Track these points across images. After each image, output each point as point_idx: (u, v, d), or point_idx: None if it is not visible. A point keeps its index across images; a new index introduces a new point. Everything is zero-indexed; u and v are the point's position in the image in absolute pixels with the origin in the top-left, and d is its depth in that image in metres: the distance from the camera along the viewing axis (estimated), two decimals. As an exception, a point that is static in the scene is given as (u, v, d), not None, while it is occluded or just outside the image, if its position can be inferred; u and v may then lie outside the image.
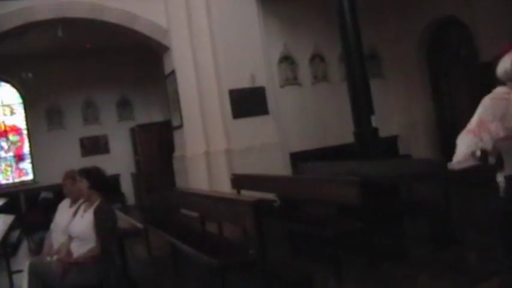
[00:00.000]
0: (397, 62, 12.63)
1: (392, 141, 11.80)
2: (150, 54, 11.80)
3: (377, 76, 12.29)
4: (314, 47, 11.72)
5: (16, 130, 14.33)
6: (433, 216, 6.03)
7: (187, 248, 5.15)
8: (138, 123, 14.08)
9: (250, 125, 9.99)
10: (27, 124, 14.19)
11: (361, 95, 7.94)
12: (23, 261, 6.06)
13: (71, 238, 4.42)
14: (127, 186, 14.33)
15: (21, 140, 14.35)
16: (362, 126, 7.84)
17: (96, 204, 4.40)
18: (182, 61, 10.02)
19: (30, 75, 13.19)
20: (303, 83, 11.51)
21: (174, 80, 10.23)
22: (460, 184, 6.20)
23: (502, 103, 3.02)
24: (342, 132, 9.70)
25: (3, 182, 13.95)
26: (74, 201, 4.88)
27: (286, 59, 11.34)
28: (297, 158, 10.15)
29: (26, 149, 14.27)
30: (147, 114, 14.62)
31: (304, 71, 11.56)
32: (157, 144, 13.36)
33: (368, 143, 7.80)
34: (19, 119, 14.29)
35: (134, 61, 13.81)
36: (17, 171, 14.23)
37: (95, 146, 14.29)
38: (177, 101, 10.23)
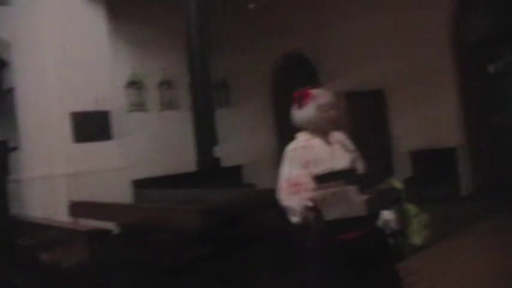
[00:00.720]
0: (246, 93, 12.98)
1: (236, 170, 12.02)
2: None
3: (224, 105, 12.53)
4: (163, 72, 11.68)
5: None
6: (273, 244, 6.18)
7: (19, 281, 4.84)
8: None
9: (93, 149, 9.62)
10: None
11: (205, 124, 8.01)
12: None
13: None
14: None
15: None
16: (204, 156, 7.91)
17: None
18: (23, 78, 9.47)
19: None
20: (150, 108, 11.41)
21: (13, 98, 9.65)
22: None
23: (305, 151, 3.16)
24: (188, 161, 9.71)
25: None
26: None
27: (134, 84, 11.19)
28: (141, 185, 9.97)
29: None
30: (-19, 133, 13.68)
31: (152, 96, 11.47)
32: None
33: (211, 172, 7.87)
34: None
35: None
36: None
37: None
38: (15, 121, 9.65)
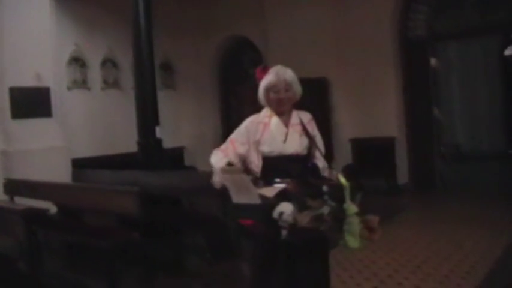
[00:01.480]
0: (190, 76, 12.92)
1: (178, 152, 11.98)
2: None
3: (169, 87, 12.45)
4: (107, 51, 11.47)
5: None
6: (211, 228, 6.22)
7: None
8: None
9: (31, 126, 9.39)
10: None
11: (148, 105, 7.95)
12: None
13: None
14: None
15: None
16: (146, 137, 7.85)
17: None
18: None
19: None
20: (93, 87, 11.20)
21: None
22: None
23: (258, 127, 3.22)
24: (129, 141, 9.58)
25: None
26: None
27: (76, 61, 10.95)
28: (80, 165, 9.80)
29: None
30: None
31: (95, 74, 11.25)
32: None
33: (152, 153, 7.82)
34: None
35: None
36: None
37: None
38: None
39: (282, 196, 2.89)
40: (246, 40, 12.25)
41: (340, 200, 2.86)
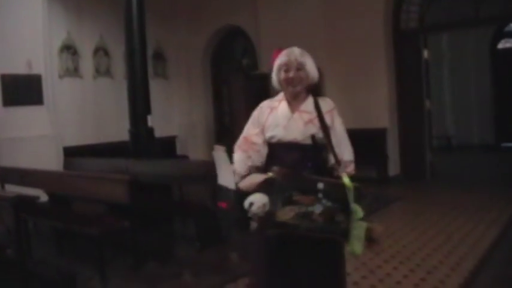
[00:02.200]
0: (182, 65, 12.93)
1: (170, 141, 11.98)
2: None
3: (161, 76, 12.45)
4: (99, 39, 11.46)
5: None
6: (200, 217, 6.23)
7: None
8: None
9: (22, 114, 9.37)
10: None
11: (140, 94, 7.93)
12: None
13: None
14: None
15: None
16: (138, 125, 7.83)
17: None
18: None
19: None
20: (84, 75, 11.17)
21: None
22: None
23: (265, 111, 3.06)
24: (120, 130, 9.57)
25: None
26: None
27: (68, 49, 10.90)
28: (71, 153, 9.79)
29: None
30: None
31: (87, 63, 11.23)
32: None
33: (143, 142, 7.81)
34: None
35: None
36: None
37: None
38: None
39: (265, 186, 2.70)
40: (238, 29, 12.23)
41: (339, 202, 2.63)
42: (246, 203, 2.68)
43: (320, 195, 2.61)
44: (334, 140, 2.97)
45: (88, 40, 11.23)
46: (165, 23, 12.03)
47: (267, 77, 9.92)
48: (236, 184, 2.96)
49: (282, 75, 3.00)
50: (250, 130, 3.08)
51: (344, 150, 3.03)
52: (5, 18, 9.22)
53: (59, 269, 5.42)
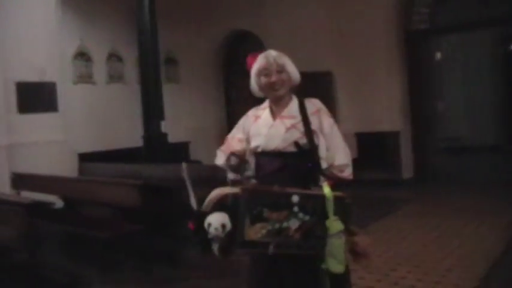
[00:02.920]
0: (194, 69, 12.94)
1: (183, 146, 12.01)
2: None
3: (173, 81, 12.48)
4: (112, 45, 11.52)
5: None
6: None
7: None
8: None
9: (37, 121, 9.44)
10: None
11: (153, 99, 7.99)
12: None
13: None
14: None
15: None
16: (151, 131, 7.89)
17: None
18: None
19: None
20: (98, 81, 11.25)
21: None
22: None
23: (250, 120, 2.95)
24: (134, 135, 9.65)
25: None
26: None
27: (82, 55, 11.00)
28: (85, 159, 9.88)
29: None
30: None
31: (100, 69, 11.30)
32: None
33: (157, 147, 7.86)
34: None
35: None
36: None
37: None
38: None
39: (225, 202, 2.50)
40: (248, 33, 12.26)
41: (319, 214, 2.42)
42: (205, 224, 2.45)
43: (296, 208, 2.42)
44: (324, 144, 2.78)
45: (101, 46, 11.31)
46: (176, 27, 12.08)
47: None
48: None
49: (263, 80, 2.83)
50: (234, 135, 2.98)
51: (336, 153, 2.81)
52: (18, 27, 9.31)
53: (70, 273, 5.47)
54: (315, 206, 2.44)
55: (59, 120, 9.85)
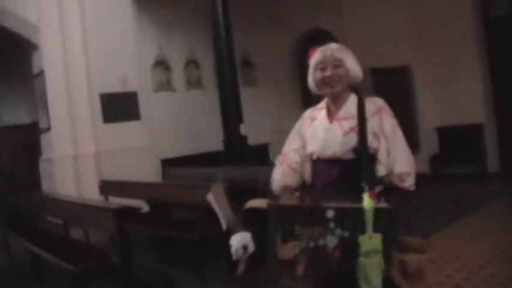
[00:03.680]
0: (270, 71, 13.01)
1: (263, 148, 12.08)
2: (19, 51, 11.23)
3: (250, 84, 12.59)
4: (189, 52, 11.76)
5: None
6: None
7: (48, 255, 5.01)
8: (3, 124, 13.35)
9: (121, 129, 9.81)
10: None
11: (231, 103, 8.10)
12: None
13: None
14: (-11, 190, 13.52)
15: None
16: (231, 134, 7.99)
17: None
18: (52, 61, 9.55)
19: None
20: (177, 88, 11.52)
21: (43, 80, 9.78)
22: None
23: (306, 122, 2.71)
24: (214, 139, 9.80)
25: None
26: None
27: (161, 64, 11.29)
28: (168, 164, 10.14)
29: None
30: (14, 115, 13.88)
31: (179, 76, 11.57)
32: (23, 146, 12.79)
33: (237, 150, 7.95)
34: None
35: (0, 57, 13.04)
36: None
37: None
38: (45, 102, 9.80)
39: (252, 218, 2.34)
40: (324, 32, 12.19)
41: (362, 229, 2.12)
42: (230, 244, 2.28)
43: (332, 224, 2.15)
44: (385, 147, 2.44)
45: (179, 54, 11.58)
46: (250, 30, 12.17)
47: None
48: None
49: (318, 74, 2.57)
50: (290, 144, 2.75)
51: (396, 159, 2.44)
52: (99, 40, 9.68)
53: (161, 274, 5.62)
54: (355, 221, 2.14)
55: (142, 127, 10.18)
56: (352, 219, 2.14)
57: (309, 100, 2.62)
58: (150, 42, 10.96)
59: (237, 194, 5.58)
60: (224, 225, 2.48)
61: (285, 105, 12.97)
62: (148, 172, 9.69)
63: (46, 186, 10.06)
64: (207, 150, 10.69)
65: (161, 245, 6.69)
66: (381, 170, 2.41)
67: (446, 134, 9.95)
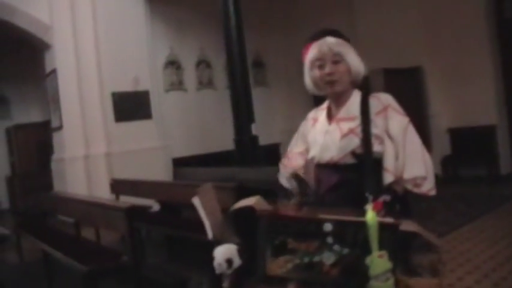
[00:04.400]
0: (281, 71, 13.02)
1: (273, 148, 12.08)
2: (31, 50, 11.29)
3: (261, 84, 12.61)
4: (200, 52, 11.79)
5: None
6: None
7: (59, 254, 5.02)
8: (15, 123, 13.39)
9: (133, 129, 9.85)
10: None
11: (243, 103, 8.09)
12: None
13: None
14: (1, 190, 13.61)
15: None
16: (242, 134, 7.99)
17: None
18: (64, 60, 9.61)
19: None
20: (188, 88, 11.54)
21: (55, 80, 9.82)
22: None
23: (309, 124, 2.48)
24: (225, 139, 9.81)
25: None
26: None
27: (172, 64, 11.32)
28: (179, 164, 10.16)
29: None
30: (26, 114, 13.91)
31: (190, 76, 11.60)
32: (36, 145, 12.83)
33: (248, 150, 7.94)
34: None
35: (13, 56, 13.12)
36: None
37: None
38: (57, 102, 9.85)
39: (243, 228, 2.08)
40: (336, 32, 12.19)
41: (363, 246, 1.80)
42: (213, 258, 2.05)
43: (329, 239, 1.86)
44: (392, 151, 2.13)
45: (190, 54, 11.61)
46: (262, 31, 12.19)
47: (367, 80, 9.82)
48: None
49: (316, 73, 2.30)
50: (294, 147, 2.55)
51: (407, 163, 2.11)
52: (111, 40, 9.72)
53: (171, 274, 5.62)
54: (356, 236, 1.84)
55: (153, 127, 10.21)
56: (353, 235, 1.84)
57: (320, 100, 2.45)
58: (161, 42, 10.99)
59: (247, 194, 5.59)
60: (210, 235, 2.16)
61: (296, 105, 12.93)
62: (160, 171, 9.71)
63: (58, 186, 10.11)
64: (218, 150, 10.71)
65: (172, 244, 6.69)
66: (388, 177, 2.10)
67: (458, 135, 9.90)
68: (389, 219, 1.82)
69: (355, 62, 2.28)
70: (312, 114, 2.50)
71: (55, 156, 10.40)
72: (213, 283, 2.15)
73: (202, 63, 11.87)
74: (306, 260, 1.89)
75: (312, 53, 2.32)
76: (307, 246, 1.90)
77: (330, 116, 2.34)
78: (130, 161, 9.47)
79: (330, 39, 2.31)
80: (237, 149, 8.10)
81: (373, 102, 2.21)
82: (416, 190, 2.11)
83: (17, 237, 7.00)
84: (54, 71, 9.89)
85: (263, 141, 8.66)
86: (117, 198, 7.97)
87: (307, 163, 2.39)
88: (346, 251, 1.84)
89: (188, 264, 5.97)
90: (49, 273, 5.95)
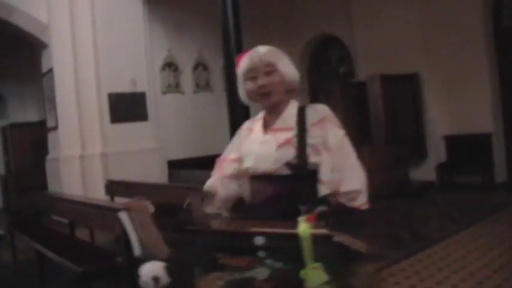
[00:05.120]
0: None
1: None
2: (29, 49, 11.28)
3: (259, 88, 12.62)
4: (198, 55, 11.80)
5: None
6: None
7: (52, 254, 5.00)
8: (11, 122, 13.38)
9: (129, 130, 9.84)
10: None
11: (239, 106, 8.07)
12: None
13: None
14: (-5, 188, 13.58)
15: None
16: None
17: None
18: (61, 60, 9.57)
19: None
20: (185, 90, 11.54)
21: (51, 79, 9.79)
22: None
23: (243, 134, 2.41)
24: (221, 142, 9.76)
25: None
26: None
27: (170, 66, 11.32)
28: (175, 166, 10.14)
29: None
30: (22, 113, 13.92)
31: (187, 78, 11.60)
32: (31, 145, 12.80)
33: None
34: None
35: (11, 55, 13.10)
36: None
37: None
38: (53, 101, 9.82)
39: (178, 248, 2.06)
40: (333, 38, 12.20)
41: (298, 260, 1.71)
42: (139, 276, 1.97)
43: (261, 253, 1.80)
44: (329, 163, 2.07)
45: (188, 56, 11.61)
46: (260, 35, 12.17)
47: (364, 85, 9.86)
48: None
49: (249, 85, 2.24)
50: (227, 154, 2.48)
51: (343, 176, 2.06)
52: (109, 40, 9.72)
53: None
54: (289, 250, 1.74)
55: (149, 129, 10.21)
56: (286, 248, 1.76)
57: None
58: (159, 44, 10.99)
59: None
60: (136, 251, 2.09)
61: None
62: (155, 173, 9.70)
63: (52, 186, 10.08)
64: (214, 153, 10.63)
65: (168, 246, 6.65)
66: (323, 189, 2.04)
67: (454, 143, 9.90)
68: (322, 231, 1.76)
69: (289, 70, 2.26)
70: (247, 124, 2.43)
71: (49, 156, 10.36)
72: None
73: (200, 66, 11.87)
74: (238, 276, 1.81)
75: (243, 65, 2.27)
76: (238, 261, 1.84)
77: (265, 126, 2.28)
78: (126, 162, 9.46)
79: (261, 49, 2.30)
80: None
81: (310, 113, 2.17)
82: (350, 204, 2.06)
83: (11, 236, 6.99)
84: (50, 71, 9.86)
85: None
86: (112, 199, 7.96)
87: (240, 173, 2.33)
88: (279, 264, 1.77)
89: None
90: (43, 273, 5.93)
